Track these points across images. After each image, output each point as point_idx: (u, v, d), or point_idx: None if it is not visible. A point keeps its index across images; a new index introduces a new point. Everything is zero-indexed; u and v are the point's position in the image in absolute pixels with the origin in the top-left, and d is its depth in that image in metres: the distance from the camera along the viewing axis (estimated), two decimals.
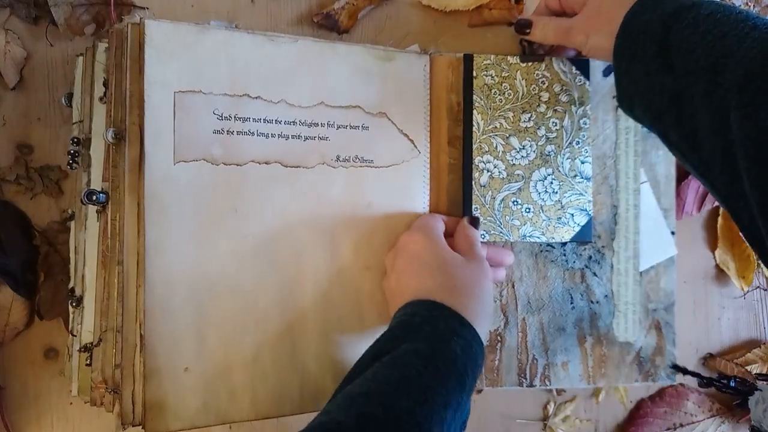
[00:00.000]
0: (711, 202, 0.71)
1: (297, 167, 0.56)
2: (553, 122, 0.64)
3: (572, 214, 0.65)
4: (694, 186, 0.70)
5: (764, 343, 0.73)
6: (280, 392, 0.56)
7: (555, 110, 0.64)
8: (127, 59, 0.51)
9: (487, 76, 0.63)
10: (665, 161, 0.67)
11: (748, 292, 0.73)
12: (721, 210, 0.72)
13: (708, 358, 0.73)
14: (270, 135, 0.55)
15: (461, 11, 0.70)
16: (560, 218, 0.64)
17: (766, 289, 0.73)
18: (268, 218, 0.55)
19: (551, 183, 0.64)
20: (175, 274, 0.51)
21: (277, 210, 0.56)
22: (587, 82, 0.65)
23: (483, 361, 0.54)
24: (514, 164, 0.63)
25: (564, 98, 0.64)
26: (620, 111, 0.62)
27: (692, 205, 0.70)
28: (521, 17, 0.62)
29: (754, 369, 0.71)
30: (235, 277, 0.54)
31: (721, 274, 0.73)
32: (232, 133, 0.53)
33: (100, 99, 0.56)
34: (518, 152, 0.64)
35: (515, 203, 0.64)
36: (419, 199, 0.63)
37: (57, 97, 0.66)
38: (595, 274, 0.66)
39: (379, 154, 0.60)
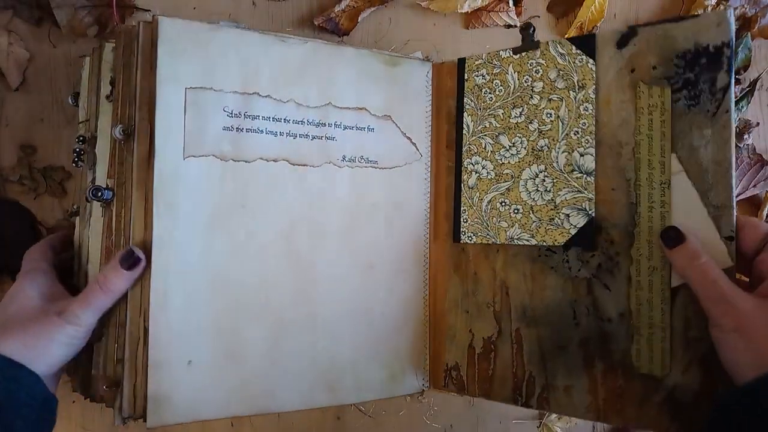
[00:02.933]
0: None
1: (304, 165, 0.57)
2: (547, 113, 0.58)
3: (567, 215, 0.56)
4: None
5: None
6: (284, 387, 0.56)
7: (550, 100, 0.58)
8: (138, 57, 0.51)
9: (478, 76, 0.62)
10: (716, 142, 0.50)
11: None
12: None
13: None
14: (278, 133, 0.56)
15: (460, 14, 0.72)
16: (552, 219, 0.57)
17: None
18: (275, 215, 0.56)
19: (543, 181, 0.58)
20: (182, 268, 0.52)
21: (283, 207, 0.56)
22: (590, 61, 0.56)
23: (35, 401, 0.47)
24: (502, 163, 0.60)
25: (560, 84, 0.57)
26: (643, 86, 0.53)
27: None
28: (672, 225, 0.51)
29: None
30: (241, 271, 0.54)
31: None
32: (241, 131, 0.54)
33: (107, 97, 0.56)
34: (507, 150, 0.60)
35: (503, 204, 0.60)
36: (420, 201, 0.63)
37: (60, 98, 0.66)
38: (606, 287, 0.54)
39: (383, 155, 0.61)
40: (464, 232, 0.61)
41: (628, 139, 0.54)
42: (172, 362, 0.51)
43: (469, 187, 0.61)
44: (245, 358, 0.54)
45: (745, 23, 0.71)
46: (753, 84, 0.72)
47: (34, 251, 0.56)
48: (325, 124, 0.58)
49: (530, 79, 0.59)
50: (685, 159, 0.51)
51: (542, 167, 0.58)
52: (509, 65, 0.60)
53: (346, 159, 0.59)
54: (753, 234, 0.49)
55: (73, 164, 0.59)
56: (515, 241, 0.58)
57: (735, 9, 0.70)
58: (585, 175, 0.56)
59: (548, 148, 0.57)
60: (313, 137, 0.57)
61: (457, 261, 0.62)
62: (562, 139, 0.57)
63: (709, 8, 0.70)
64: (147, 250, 0.51)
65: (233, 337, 0.54)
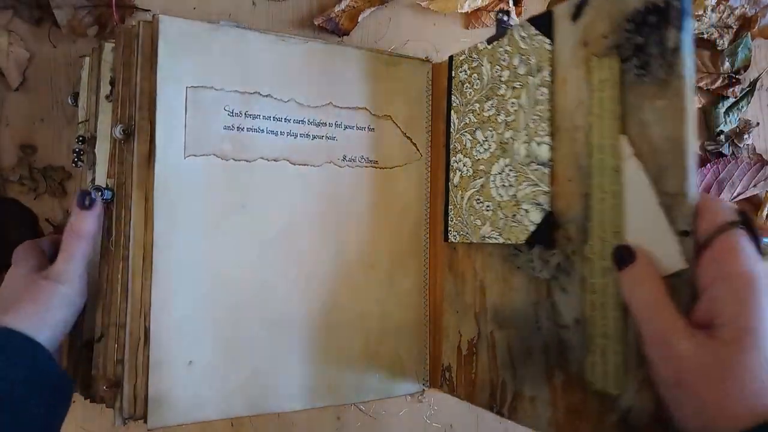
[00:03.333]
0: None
1: (305, 165, 0.57)
2: (511, 103, 0.52)
3: (526, 210, 0.51)
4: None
5: None
6: (284, 387, 0.56)
7: (513, 88, 0.52)
8: (138, 56, 0.51)
9: (462, 72, 0.59)
10: (668, 117, 0.40)
11: None
12: None
13: None
14: (279, 133, 0.56)
15: (460, 14, 0.72)
16: (515, 215, 0.52)
17: None
18: (276, 214, 0.56)
19: (508, 175, 0.53)
20: (182, 268, 0.52)
21: (284, 206, 0.56)
22: (546, 42, 0.49)
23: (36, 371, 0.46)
24: (477, 159, 0.57)
25: (521, 70, 0.52)
26: (595, 60, 0.45)
27: None
28: (623, 244, 0.42)
29: None
30: (241, 271, 0.54)
31: None
32: (242, 130, 0.54)
33: (107, 97, 0.56)
34: (481, 145, 0.56)
35: (478, 201, 0.56)
36: (420, 201, 0.63)
37: (60, 98, 0.66)
38: (563, 289, 0.47)
39: (383, 155, 0.61)
40: (450, 230, 0.60)
41: (582, 122, 0.46)
42: (173, 362, 0.51)
43: (454, 186, 0.60)
44: (245, 358, 0.54)
45: (745, 23, 0.71)
46: (753, 84, 0.72)
47: (23, 247, 0.56)
48: (325, 124, 0.58)
49: (499, 68, 0.54)
50: (636, 139, 0.42)
51: (507, 161, 0.53)
52: (484, 57, 0.56)
53: (347, 159, 0.59)
54: (706, 224, 0.38)
55: (73, 164, 0.59)
56: (486, 239, 0.55)
57: (735, 9, 0.70)
58: (541, 167, 0.50)
59: (512, 140, 0.52)
60: (314, 137, 0.57)
61: (451, 260, 0.61)
62: (523, 129, 0.51)
63: (709, 8, 0.70)
64: (147, 249, 0.51)
65: (233, 336, 0.54)
